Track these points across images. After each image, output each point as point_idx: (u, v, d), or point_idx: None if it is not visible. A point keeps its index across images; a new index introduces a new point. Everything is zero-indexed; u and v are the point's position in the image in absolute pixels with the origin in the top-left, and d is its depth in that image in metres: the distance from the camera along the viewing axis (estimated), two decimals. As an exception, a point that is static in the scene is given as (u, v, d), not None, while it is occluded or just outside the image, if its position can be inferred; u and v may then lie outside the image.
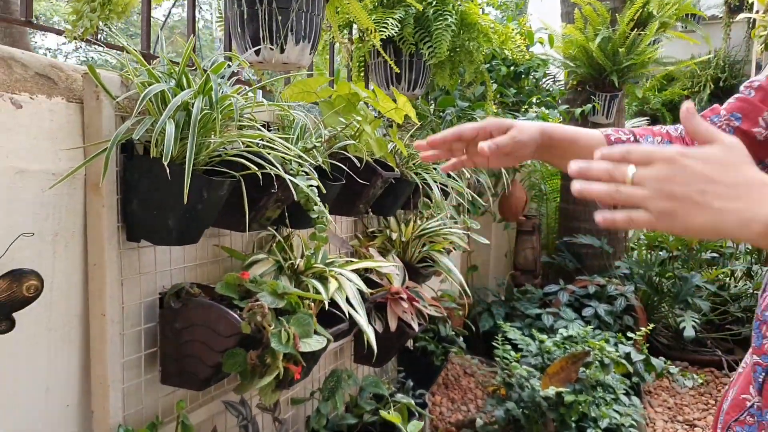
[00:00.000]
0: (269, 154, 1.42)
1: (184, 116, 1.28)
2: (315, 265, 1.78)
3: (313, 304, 1.58)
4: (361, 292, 1.75)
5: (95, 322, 1.32)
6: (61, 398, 1.30)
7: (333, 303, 1.69)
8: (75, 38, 1.35)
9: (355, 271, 1.92)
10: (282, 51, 1.94)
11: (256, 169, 1.38)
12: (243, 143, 1.41)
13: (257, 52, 1.94)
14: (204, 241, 1.66)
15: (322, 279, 1.74)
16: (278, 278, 1.70)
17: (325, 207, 1.52)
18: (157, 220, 1.33)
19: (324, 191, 1.58)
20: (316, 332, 1.51)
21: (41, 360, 1.25)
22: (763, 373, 0.88)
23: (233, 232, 1.79)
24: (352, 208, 2.21)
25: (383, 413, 2.23)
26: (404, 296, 2.37)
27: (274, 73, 2.16)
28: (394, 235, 2.53)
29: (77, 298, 1.31)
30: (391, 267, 2.06)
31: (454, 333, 2.99)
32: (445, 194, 2.71)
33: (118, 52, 1.42)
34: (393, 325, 2.34)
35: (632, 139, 1.11)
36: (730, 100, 1.07)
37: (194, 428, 1.41)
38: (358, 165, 2.02)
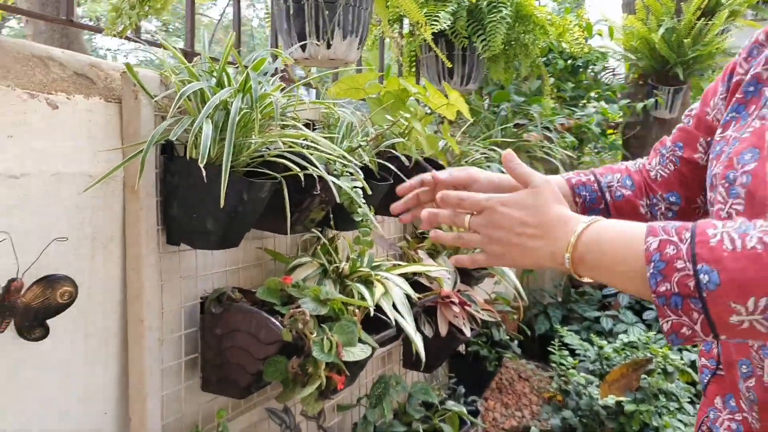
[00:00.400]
0: (312, 154, 1.36)
1: (223, 116, 1.23)
2: (360, 269, 1.71)
3: (357, 310, 1.52)
4: (408, 298, 1.68)
5: (133, 328, 1.28)
6: (99, 405, 1.26)
7: (379, 307, 1.62)
8: (114, 35, 1.31)
9: (403, 275, 1.85)
10: (329, 46, 1.88)
11: (298, 170, 1.32)
12: (285, 143, 1.35)
13: (303, 48, 1.88)
14: (246, 243, 1.62)
15: (368, 283, 1.68)
16: (322, 282, 1.64)
17: (370, 209, 1.45)
18: (196, 223, 1.28)
19: (369, 192, 1.52)
20: (360, 340, 1.45)
21: (77, 367, 1.22)
22: (709, 375, 0.98)
23: (277, 234, 1.74)
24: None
25: (435, 421, 2.16)
26: (455, 300, 2.28)
27: (323, 69, 2.10)
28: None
29: (115, 303, 1.28)
30: (441, 271, 1.98)
31: (508, 337, 2.89)
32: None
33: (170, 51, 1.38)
34: (443, 330, 2.26)
35: (592, 179, 1.19)
36: (674, 130, 1.12)
37: (234, 439, 1.37)
38: (407, 164, 1.95)
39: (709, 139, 1.04)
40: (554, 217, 0.82)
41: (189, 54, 1.68)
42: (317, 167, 1.34)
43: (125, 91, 1.27)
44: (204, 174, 1.12)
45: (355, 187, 1.42)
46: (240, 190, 1.26)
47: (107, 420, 1.28)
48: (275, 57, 1.59)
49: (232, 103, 1.21)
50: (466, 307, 2.34)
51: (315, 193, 1.47)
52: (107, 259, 1.26)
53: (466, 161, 2.41)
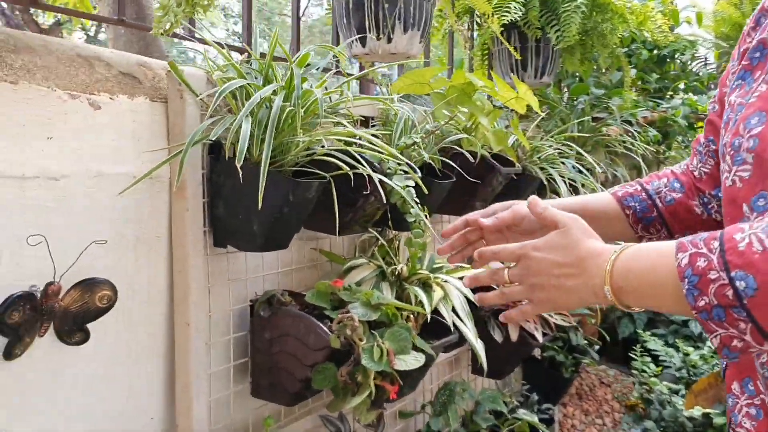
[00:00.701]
0: (361, 152, 1.29)
1: (267, 114, 1.19)
2: (420, 272, 1.64)
3: (413, 315, 1.45)
4: (469, 302, 1.59)
5: (180, 331, 1.26)
6: (144, 410, 1.25)
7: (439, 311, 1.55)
8: (162, 33, 1.29)
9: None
10: (389, 41, 1.82)
11: (348, 169, 1.27)
12: (337, 141, 1.30)
13: (362, 43, 1.83)
14: (301, 244, 1.58)
15: (427, 287, 1.60)
16: (379, 285, 1.58)
17: (423, 209, 1.37)
18: (241, 224, 1.25)
19: (426, 191, 1.45)
20: (416, 347, 1.38)
21: (121, 370, 1.20)
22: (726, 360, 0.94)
23: (332, 235, 1.69)
24: (466, 208, 2.05)
25: (504, 430, 2.06)
26: (526, 303, 2.18)
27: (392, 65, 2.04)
28: (516, 236, 2.33)
29: (162, 307, 1.26)
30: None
31: (586, 342, 2.75)
32: (575, 191, 2.47)
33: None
34: (514, 335, 2.16)
35: (639, 188, 1.17)
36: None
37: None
38: (472, 160, 1.86)
39: None
40: (586, 253, 0.81)
41: (243, 53, 1.65)
42: (364, 165, 1.28)
43: (171, 90, 1.24)
44: (241, 174, 1.07)
45: (408, 185, 1.34)
46: (285, 190, 1.21)
47: (154, 424, 1.26)
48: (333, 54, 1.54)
49: (275, 100, 1.17)
50: (538, 311, 2.23)
51: (366, 192, 1.41)
52: (153, 261, 1.24)
53: (539, 157, 2.29)
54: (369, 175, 1.28)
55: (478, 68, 2.83)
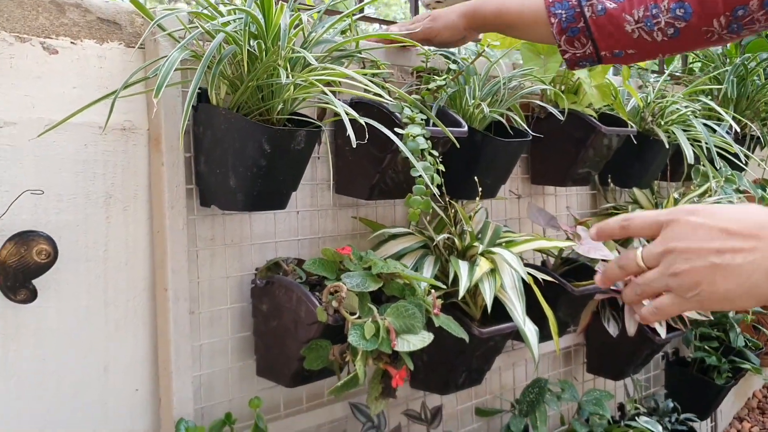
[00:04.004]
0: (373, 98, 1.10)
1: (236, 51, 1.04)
2: (474, 245, 1.40)
3: (433, 290, 1.21)
4: (524, 281, 1.32)
5: (159, 297, 1.15)
6: (127, 381, 1.15)
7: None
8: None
9: (540, 249, 1.49)
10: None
11: (343, 115, 1.07)
12: (329, 85, 1.11)
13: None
14: (338, 211, 1.41)
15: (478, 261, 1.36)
16: (424, 259, 1.37)
17: (435, 169, 1.14)
18: (220, 180, 1.11)
19: (457, 145, 1.22)
20: (432, 325, 1.15)
21: (98, 338, 1.12)
22: None
23: (383, 202, 1.50)
24: (562, 176, 1.76)
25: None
26: (646, 291, 1.82)
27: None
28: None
29: (143, 271, 1.16)
30: (596, 250, 1.55)
31: (747, 343, 2.27)
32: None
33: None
34: (632, 329, 1.82)
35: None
36: None
37: (268, 433, 1.17)
38: (560, 118, 1.57)
39: None
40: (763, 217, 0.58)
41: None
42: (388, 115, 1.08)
43: (147, 34, 1.14)
44: (204, 119, 0.95)
45: (414, 134, 1.12)
46: (258, 138, 1.05)
47: (139, 397, 1.17)
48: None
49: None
50: (663, 301, 1.85)
51: (392, 148, 1.22)
52: (130, 221, 1.14)
53: (671, 119, 1.90)
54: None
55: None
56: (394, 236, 1.39)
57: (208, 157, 1.13)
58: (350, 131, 0.96)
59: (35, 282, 1.02)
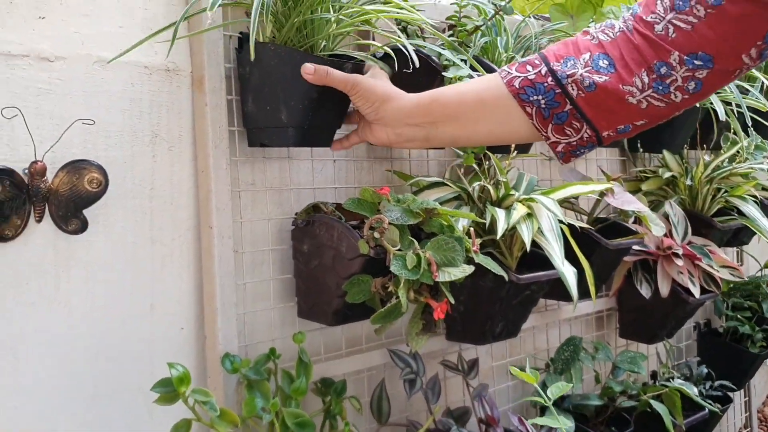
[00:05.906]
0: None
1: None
2: (511, 193, 1.41)
3: (472, 230, 1.23)
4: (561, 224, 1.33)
5: (204, 235, 1.17)
6: (172, 319, 1.18)
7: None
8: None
9: (575, 195, 1.49)
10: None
11: (389, 50, 1.10)
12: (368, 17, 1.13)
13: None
14: (372, 164, 1.43)
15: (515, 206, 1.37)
16: (460, 208, 1.38)
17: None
18: (269, 117, 1.13)
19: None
20: (472, 261, 1.16)
21: (145, 275, 1.14)
22: None
23: (416, 157, 1.52)
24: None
25: (643, 398, 1.73)
26: (679, 252, 1.82)
27: None
28: (671, 177, 1.97)
29: (189, 210, 1.19)
30: (636, 204, 1.55)
31: (782, 312, 2.25)
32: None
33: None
34: (665, 290, 1.82)
35: (544, 70, 0.94)
36: None
37: (312, 367, 1.18)
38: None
39: None
40: None
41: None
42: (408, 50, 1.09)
43: (191, -22, 1.17)
44: (252, 56, 0.97)
45: (450, 61, 1.14)
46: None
47: (184, 335, 1.19)
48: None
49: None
50: (697, 262, 1.85)
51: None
52: (175, 161, 1.17)
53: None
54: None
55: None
56: (429, 186, 1.40)
57: (256, 95, 1.15)
58: (412, 53, 0.99)
59: (86, 212, 1.04)
